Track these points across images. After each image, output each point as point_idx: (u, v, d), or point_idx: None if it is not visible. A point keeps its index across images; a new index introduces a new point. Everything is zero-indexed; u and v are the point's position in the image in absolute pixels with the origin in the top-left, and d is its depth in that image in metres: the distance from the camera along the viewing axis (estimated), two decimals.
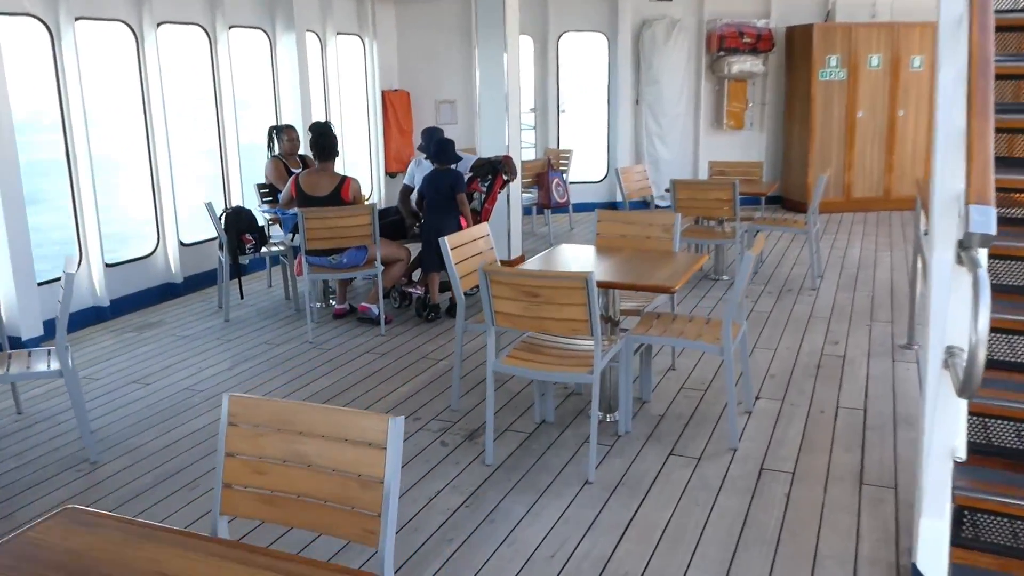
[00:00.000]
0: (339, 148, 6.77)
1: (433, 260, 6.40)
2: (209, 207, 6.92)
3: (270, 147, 7.90)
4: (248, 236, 7.03)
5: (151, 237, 7.90)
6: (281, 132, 7.88)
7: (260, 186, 8.16)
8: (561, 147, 11.44)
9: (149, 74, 7.67)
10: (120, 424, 4.92)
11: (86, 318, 7.21)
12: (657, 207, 10.22)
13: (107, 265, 7.39)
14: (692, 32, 11.47)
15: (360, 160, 11.07)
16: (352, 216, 6.19)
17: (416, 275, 7.09)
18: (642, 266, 4.51)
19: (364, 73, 10.89)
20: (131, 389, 5.52)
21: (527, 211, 9.97)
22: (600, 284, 4.12)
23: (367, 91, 10.93)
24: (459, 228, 6.43)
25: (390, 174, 11.16)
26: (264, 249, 7.15)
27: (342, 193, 6.37)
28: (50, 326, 6.75)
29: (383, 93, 11.03)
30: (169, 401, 5.26)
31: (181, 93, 9.39)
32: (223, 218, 6.96)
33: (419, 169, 7.36)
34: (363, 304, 6.74)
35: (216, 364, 5.94)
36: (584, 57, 11.99)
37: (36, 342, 6.55)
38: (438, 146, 6.69)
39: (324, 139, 6.47)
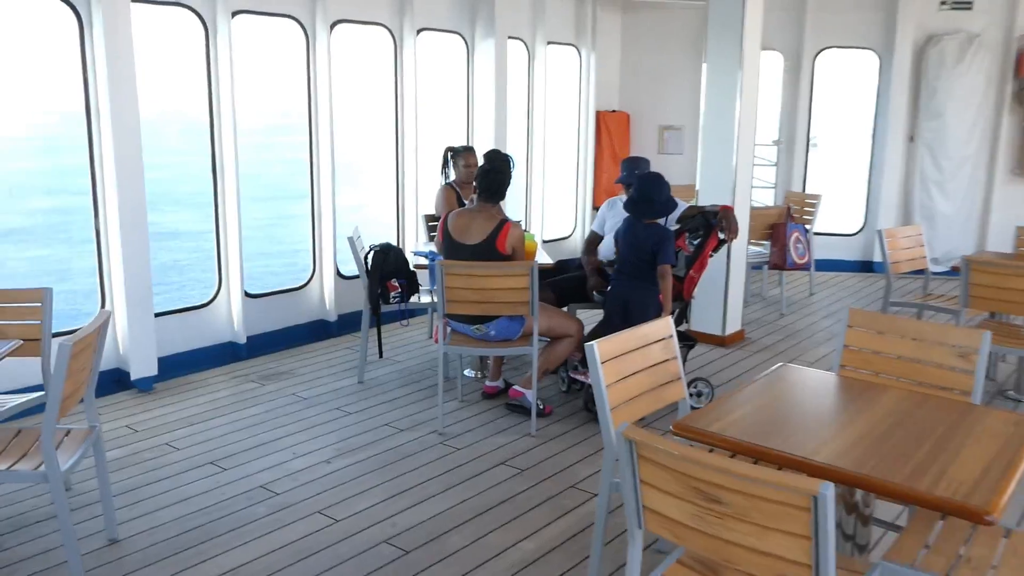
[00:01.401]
0: (518, 187, 5.24)
1: None
2: (351, 242, 5.67)
3: (444, 172, 6.60)
4: (394, 282, 5.72)
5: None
6: (458, 155, 6.53)
7: (429, 217, 6.89)
8: (807, 191, 9.33)
9: (318, 78, 6.62)
10: (150, 537, 3.69)
11: (219, 356, 6.24)
12: (933, 274, 7.89)
13: (247, 295, 6.40)
14: (996, 49, 8.95)
15: (566, 190, 9.57)
16: (505, 276, 4.64)
17: None
18: (922, 437, 2.59)
19: (578, 90, 9.39)
20: (200, 475, 4.31)
21: (756, 267, 8.02)
22: (841, 479, 2.30)
23: (579, 110, 9.42)
24: (658, 309, 4.72)
25: (598, 209, 9.56)
26: (414, 299, 5.82)
27: (497, 243, 4.81)
28: (166, 364, 5.83)
29: (598, 114, 9.48)
30: (230, 506, 3.98)
31: (358, 103, 8.33)
32: (368, 257, 5.70)
33: (611, 213, 5.76)
34: (516, 388, 5.18)
35: (315, 451, 4.63)
36: (847, 80, 9.75)
37: (148, 383, 5.63)
38: (640, 191, 4.88)
39: (493, 175, 4.95)
